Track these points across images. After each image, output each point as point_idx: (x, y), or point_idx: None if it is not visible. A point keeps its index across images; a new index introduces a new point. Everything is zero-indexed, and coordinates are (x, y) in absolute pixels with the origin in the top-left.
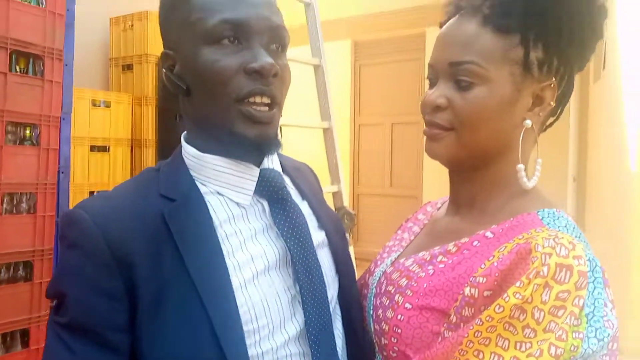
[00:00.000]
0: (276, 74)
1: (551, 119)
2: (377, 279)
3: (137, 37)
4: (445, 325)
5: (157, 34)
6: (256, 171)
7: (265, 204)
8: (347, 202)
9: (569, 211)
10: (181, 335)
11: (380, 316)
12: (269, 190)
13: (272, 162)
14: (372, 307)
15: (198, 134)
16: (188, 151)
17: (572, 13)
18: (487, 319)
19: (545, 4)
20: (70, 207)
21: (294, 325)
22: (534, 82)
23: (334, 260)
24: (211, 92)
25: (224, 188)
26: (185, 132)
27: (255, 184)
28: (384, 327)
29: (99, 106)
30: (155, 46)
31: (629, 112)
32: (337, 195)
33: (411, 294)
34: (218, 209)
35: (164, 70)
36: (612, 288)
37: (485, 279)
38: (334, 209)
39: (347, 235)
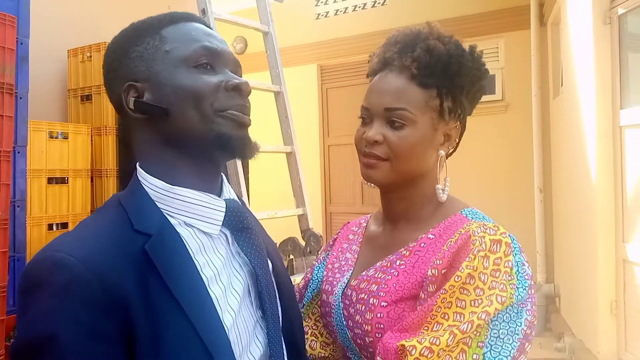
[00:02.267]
0: (249, 92)
1: (451, 150)
2: (340, 294)
3: (96, 68)
4: (418, 303)
5: None
6: (222, 202)
7: (229, 233)
8: (320, 221)
9: (537, 220)
10: None
11: (359, 321)
12: (234, 220)
13: (230, 192)
14: (342, 318)
15: (166, 158)
16: (153, 183)
17: (470, 76)
18: (450, 287)
19: (454, 69)
20: (28, 240)
21: (257, 347)
22: (445, 125)
23: (277, 287)
24: (194, 106)
25: (193, 219)
26: (141, 164)
27: (223, 214)
28: (365, 328)
29: (57, 138)
30: None
31: (586, 126)
32: (302, 217)
33: (384, 295)
34: (189, 240)
35: (132, 99)
36: (579, 288)
37: (441, 261)
38: (300, 231)
39: (314, 257)
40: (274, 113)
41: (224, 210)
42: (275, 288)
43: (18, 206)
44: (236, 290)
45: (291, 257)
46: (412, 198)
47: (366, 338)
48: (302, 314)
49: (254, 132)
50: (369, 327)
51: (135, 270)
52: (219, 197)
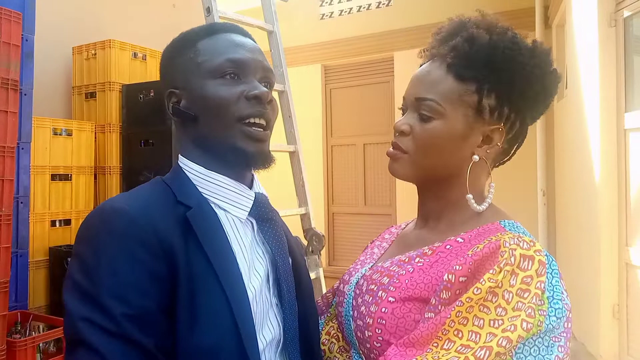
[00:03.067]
0: (271, 100)
1: (504, 158)
2: (355, 284)
3: (101, 65)
4: (427, 309)
5: (121, 62)
6: (252, 193)
7: (255, 222)
8: (322, 221)
9: (540, 222)
10: (209, 325)
11: (364, 312)
12: (260, 210)
13: (260, 188)
14: (351, 308)
15: (201, 155)
16: (193, 168)
17: (524, 74)
18: (467, 300)
19: (501, 63)
20: (30, 236)
21: (270, 331)
22: (485, 124)
23: (295, 284)
24: (217, 115)
25: (226, 203)
26: (182, 153)
27: (252, 202)
28: (367, 320)
29: (60, 134)
30: (119, 74)
31: (590, 129)
32: (305, 217)
33: (394, 289)
34: (222, 219)
35: (171, 105)
36: (582, 291)
37: (461, 267)
38: (302, 231)
39: (317, 256)
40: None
41: (253, 199)
42: (294, 285)
43: (21, 202)
44: (258, 272)
45: None
46: (445, 200)
47: (366, 332)
48: (330, 314)
49: None
50: (371, 320)
51: (179, 231)
52: (250, 189)
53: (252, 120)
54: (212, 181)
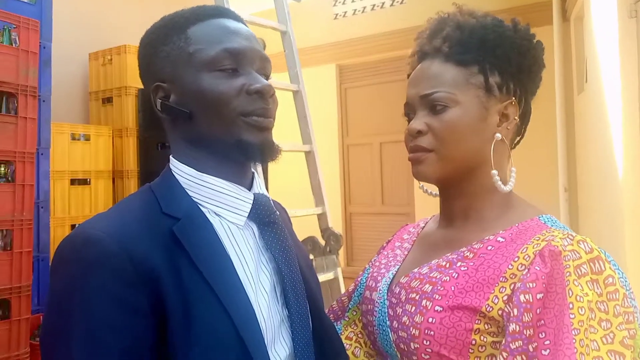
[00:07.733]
0: (273, 94)
1: (518, 138)
2: (386, 291)
3: (116, 71)
4: (509, 338)
5: (136, 67)
6: (250, 194)
7: (255, 227)
8: (339, 221)
9: (562, 220)
10: (213, 347)
11: (407, 323)
12: (260, 213)
13: (261, 188)
14: (386, 318)
15: (195, 156)
16: (185, 171)
17: (515, 48)
18: (580, 322)
19: (493, 41)
20: (51, 241)
21: (283, 347)
22: (498, 102)
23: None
24: (217, 111)
25: (221, 209)
26: (174, 155)
27: (250, 206)
28: (412, 332)
29: (79, 139)
30: (135, 79)
31: (612, 122)
32: (322, 216)
33: (440, 298)
34: (218, 228)
35: (159, 100)
36: None
37: (534, 284)
38: (319, 230)
39: (335, 256)
40: (292, 112)
41: (251, 202)
42: (304, 290)
43: (42, 207)
44: (263, 285)
45: (311, 256)
46: (472, 193)
47: (411, 343)
48: (348, 319)
49: (273, 131)
50: (417, 332)
51: (164, 250)
52: (249, 190)
53: (255, 118)
54: (204, 185)
